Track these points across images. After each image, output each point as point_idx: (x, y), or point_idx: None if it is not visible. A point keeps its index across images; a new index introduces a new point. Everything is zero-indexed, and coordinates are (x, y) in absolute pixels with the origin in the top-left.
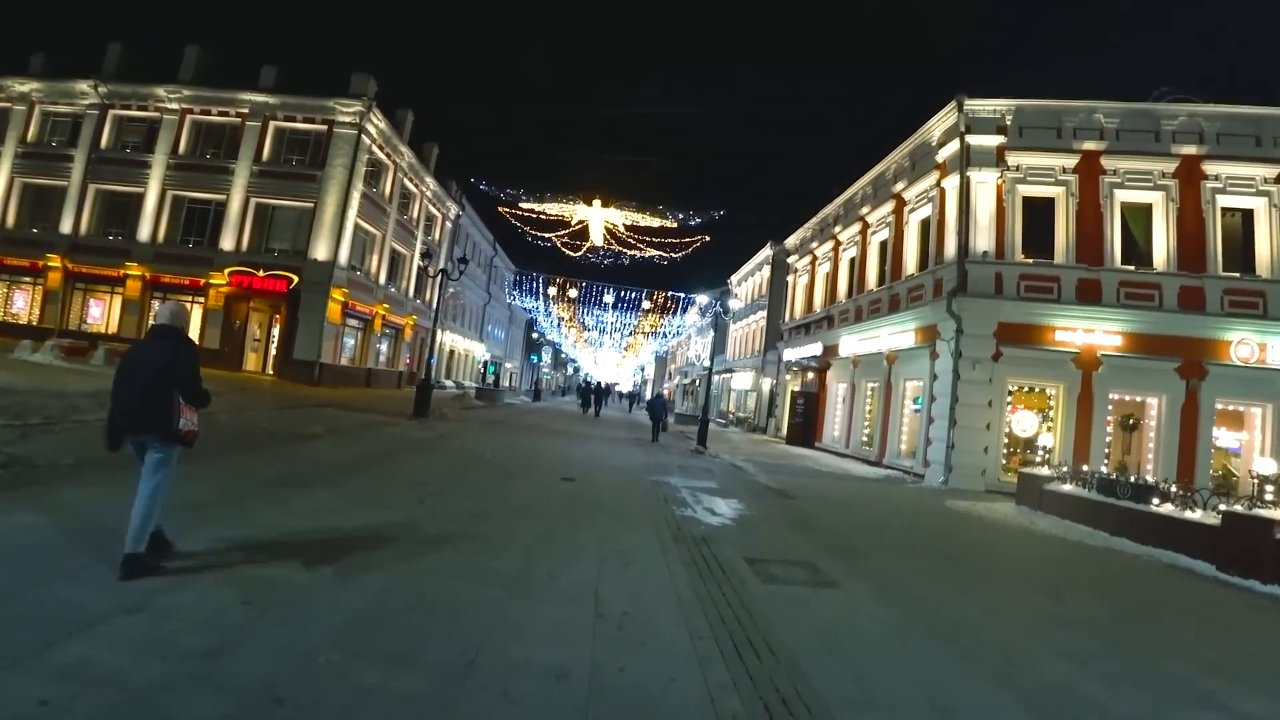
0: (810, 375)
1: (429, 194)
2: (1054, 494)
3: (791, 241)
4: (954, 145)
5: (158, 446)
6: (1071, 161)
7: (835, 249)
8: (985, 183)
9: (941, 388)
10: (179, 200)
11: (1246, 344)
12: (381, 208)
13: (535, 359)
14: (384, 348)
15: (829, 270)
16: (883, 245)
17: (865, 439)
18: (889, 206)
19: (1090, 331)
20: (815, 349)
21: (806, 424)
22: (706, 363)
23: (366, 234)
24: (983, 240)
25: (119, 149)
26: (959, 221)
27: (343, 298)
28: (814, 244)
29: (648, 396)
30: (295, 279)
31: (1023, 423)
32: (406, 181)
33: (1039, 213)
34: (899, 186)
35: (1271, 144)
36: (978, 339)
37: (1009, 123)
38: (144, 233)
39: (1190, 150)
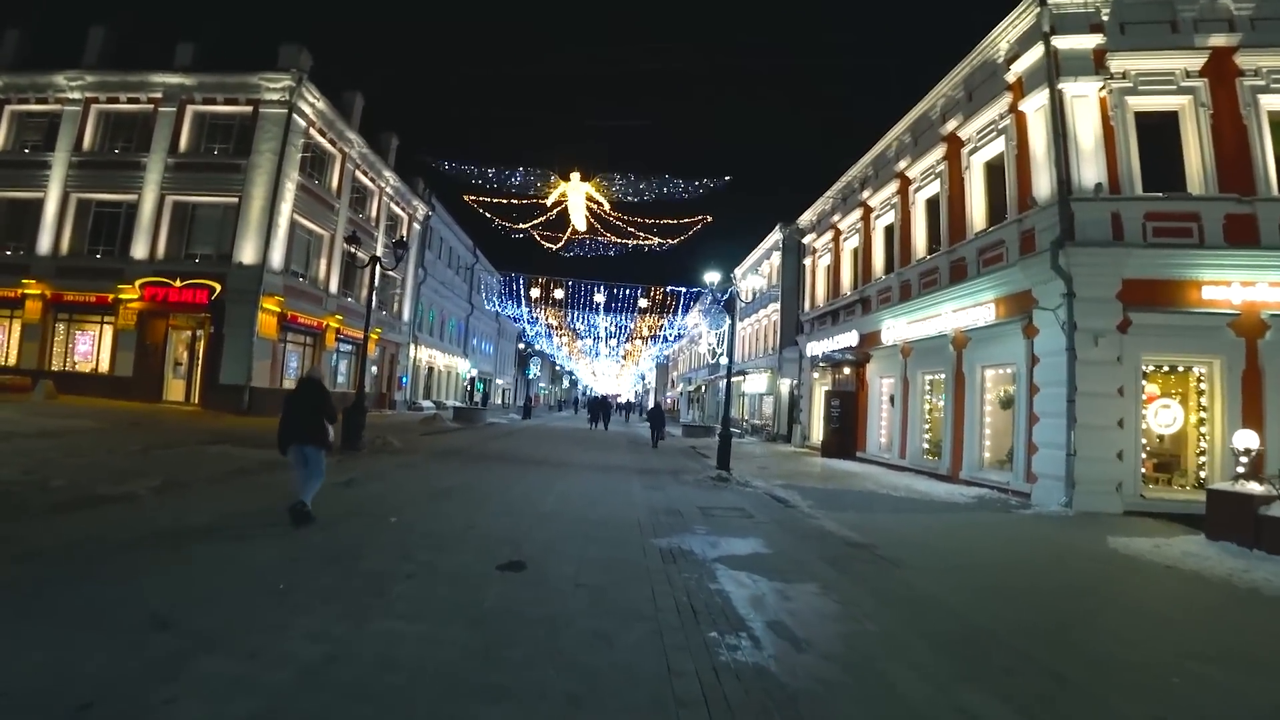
0: (845, 371)
1: (390, 190)
2: None
3: (807, 219)
4: (1034, 54)
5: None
6: (1197, 62)
7: (865, 218)
8: (1084, 96)
9: (1048, 374)
10: (84, 204)
11: None
12: (328, 203)
13: (528, 373)
14: (342, 366)
15: (859, 244)
16: (932, 202)
17: (928, 447)
18: (938, 152)
19: (1250, 285)
20: (849, 338)
21: (844, 430)
22: (712, 365)
23: (310, 234)
24: (1090, 171)
25: (16, 149)
26: (1053, 151)
27: (277, 307)
28: (835, 217)
29: (649, 406)
30: (218, 288)
31: (1164, 416)
32: (360, 175)
33: (1160, 132)
34: (951, 125)
35: None
36: (1097, 304)
37: (1106, 18)
38: (44, 244)
39: None
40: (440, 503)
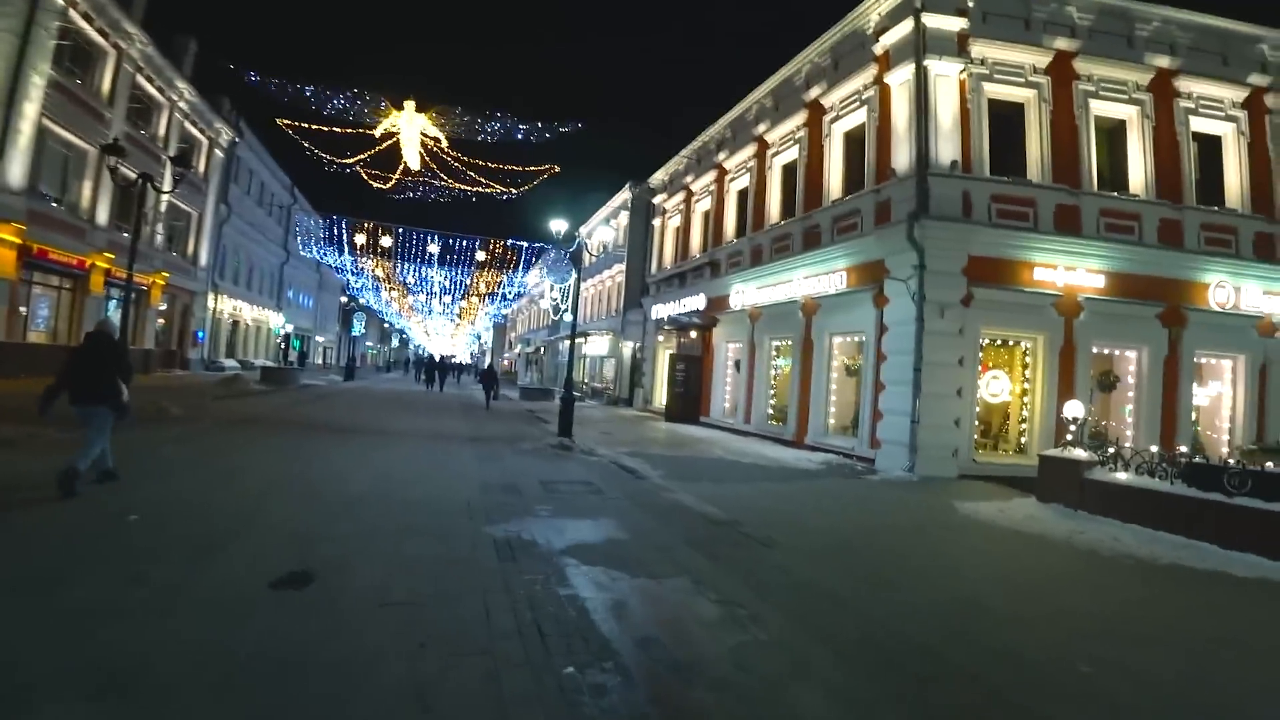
0: (692, 335)
1: (184, 106)
2: (1104, 487)
3: (659, 178)
4: (904, 28)
5: None
6: (1044, 60)
7: (720, 180)
8: (946, 76)
9: (896, 343)
10: None
11: (1224, 287)
12: (95, 111)
13: (353, 330)
14: (116, 317)
15: (711, 207)
16: (789, 168)
17: (773, 412)
18: (799, 118)
19: (1071, 270)
20: (696, 302)
21: (689, 395)
22: (552, 325)
23: (69, 149)
24: (947, 149)
25: None
26: (914, 125)
27: (17, 238)
28: (689, 178)
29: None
30: None
31: (994, 386)
32: (143, 81)
33: (1008, 121)
34: (815, 92)
35: (1240, 63)
36: (945, 277)
37: (971, 3)
38: None
39: (1163, 63)
40: (216, 489)
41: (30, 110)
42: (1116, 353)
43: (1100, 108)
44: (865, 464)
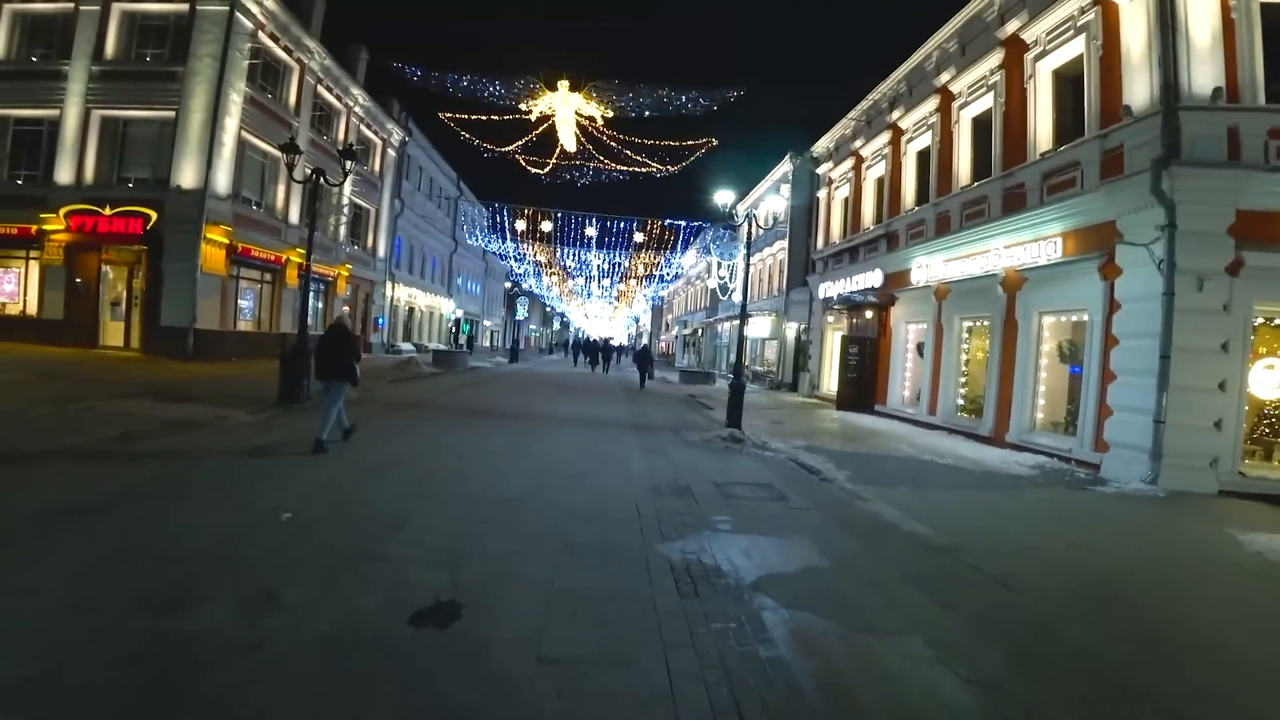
0: (866, 314)
1: (359, 111)
2: None
3: (823, 146)
4: None
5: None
6: None
7: (895, 142)
8: None
9: (1133, 323)
10: (2, 122)
11: None
12: (285, 121)
13: (516, 314)
14: (309, 307)
15: (885, 172)
16: (980, 121)
17: (964, 403)
18: (993, 60)
19: None
20: (871, 278)
21: (863, 381)
22: (709, 308)
23: (264, 156)
24: (1204, 74)
25: None
26: (1156, 47)
27: (226, 239)
28: (857, 143)
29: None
30: (154, 216)
31: (1270, 379)
32: (323, 91)
33: None
34: (1013, 26)
35: None
36: (1204, 239)
37: None
38: None
39: None
40: (373, 481)
41: (231, 124)
42: None
43: None
44: (1088, 470)
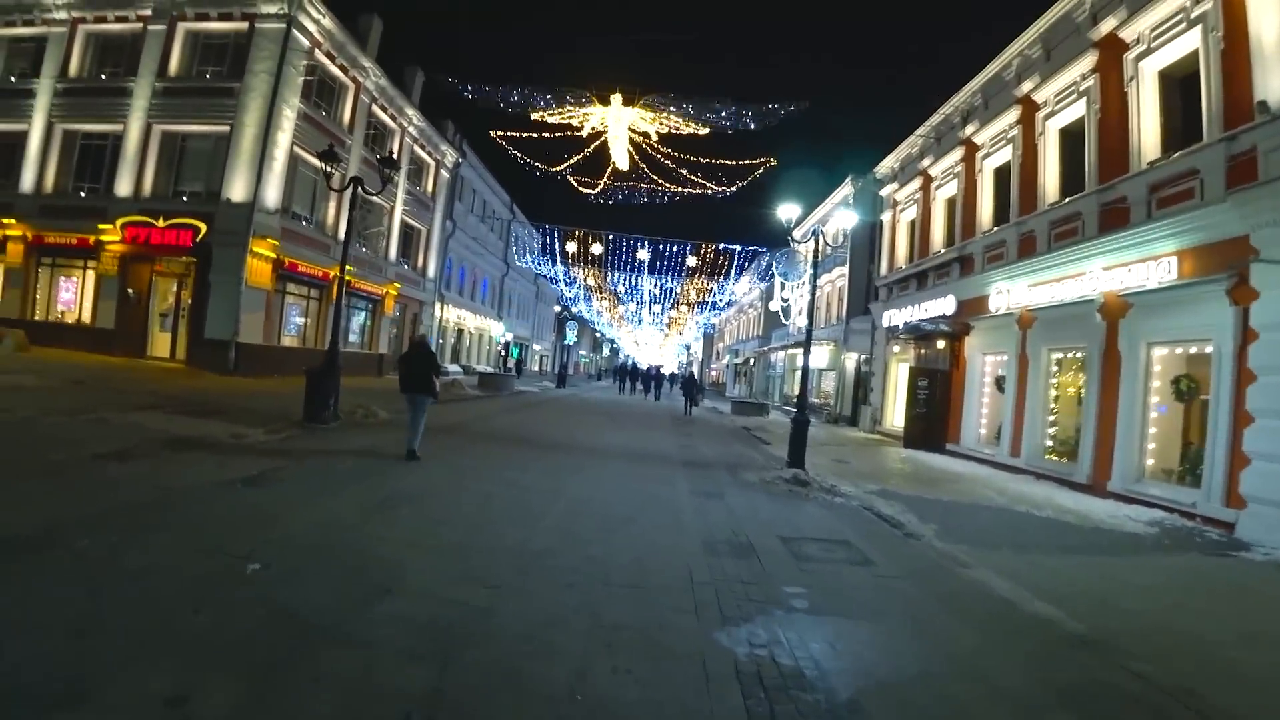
0: (938, 344)
1: (413, 131)
2: None
3: (887, 166)
4: None
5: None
6: None
7: (969, 158)
8: None
9: (1275, 355)
10: (70, 136)
11: None
12: (338, 138)
13: (566, 339)
14: (355, 324)
15: (958, 191)
16: (1070, 131)
17: (1053, 444)
18: (1083, 64)
19: None
20: (942, 305)
21: (933, 417)
22: (762, 337)
23: (316, 172)
24: None
25: (4, 77)
26: None
27: (273, 253)
28: (925, 161)
29: (686, 376)
30: (203, 228)
31: None
32: (377, 110)
33: None
34: (1109, 25)
35: None
36: None
37: None
38: (28, 181)
39: None
40: (374, 523)
41: (283, 139)
42: None
43: None
44: (1220, 530)
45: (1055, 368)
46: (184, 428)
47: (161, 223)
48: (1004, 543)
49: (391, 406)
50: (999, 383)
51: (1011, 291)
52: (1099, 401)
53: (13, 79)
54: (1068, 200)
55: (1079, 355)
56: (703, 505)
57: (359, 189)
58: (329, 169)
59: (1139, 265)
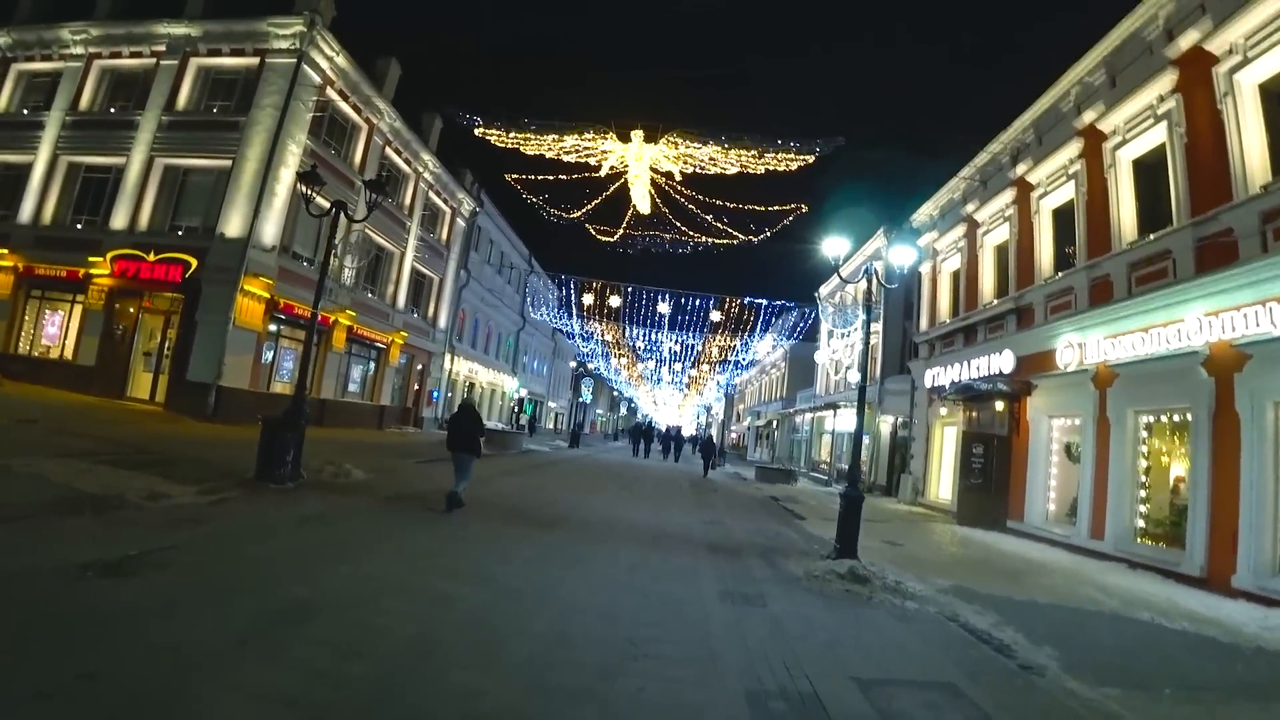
0: (996, 406)
1: (428, 177)
2: None
3: (925, 214)
4: None
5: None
6: None
7: (1022, 199)
8: None
9: None
10: (73, 168)
11: None
12: (347, 179)
13: (582, 398)
14: (356, 372)
15: (1009, 236)
16: (1145, 163)
17: (1146, 525)
18: (1161, 85)
19: None
20: (996, 362)
21: (990, 489)
22: (785, 399)
23: (322, 212)
24: None
25: (19, 111)
26: None
27: (266, 292)
28: (970, 206)
29: (703, 438)
30: (194, 263)
31: None
32: (391, 153)
33: None
34: (1188, 40)
35: None
36: None
37: None
38: (26, 212)
39: None
40: (248, 655)
41: (286, 175)
42: None
43: None
44: None
45: (1145, 432)
46: (96, 482)
47: (152, 256)
48: (1156, 678)
49: (376, 465)
50: (1070, 450)
51: (1084, 345)
52: (1212, 474)
53: (25, 112)
54: (1152, 237)
55: (1177, 418)
56: (739, 618)
57: (342, 214)
58: (309, 191)
59: (1255, 309)
